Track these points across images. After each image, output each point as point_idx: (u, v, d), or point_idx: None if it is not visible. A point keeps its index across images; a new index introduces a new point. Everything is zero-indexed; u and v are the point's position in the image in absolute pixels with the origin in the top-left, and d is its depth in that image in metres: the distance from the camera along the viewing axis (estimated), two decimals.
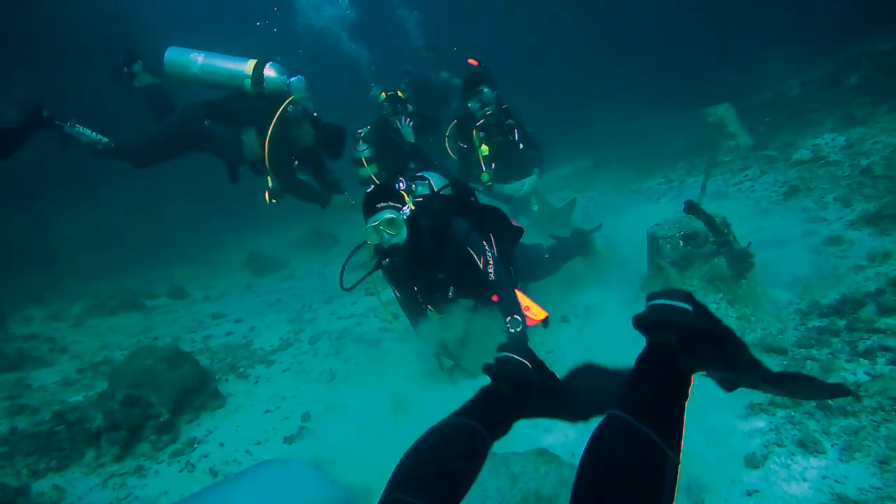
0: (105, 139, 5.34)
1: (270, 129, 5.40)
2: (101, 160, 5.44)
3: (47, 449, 3.58)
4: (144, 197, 12.64)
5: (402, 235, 3.62)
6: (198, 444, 3.94)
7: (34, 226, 12.00)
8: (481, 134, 6.17)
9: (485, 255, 3.85)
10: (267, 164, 5.55)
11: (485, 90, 6.09)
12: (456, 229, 3.85)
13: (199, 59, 5.44)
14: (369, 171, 6.92)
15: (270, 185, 5.74)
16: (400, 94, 6.91)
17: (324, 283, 7.49)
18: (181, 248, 12.09)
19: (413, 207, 3.72)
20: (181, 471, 3.62)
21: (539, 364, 1.92)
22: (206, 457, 3.78)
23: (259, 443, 3.94)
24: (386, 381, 4.21)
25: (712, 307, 3.84)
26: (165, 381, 4.18)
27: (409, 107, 7.05)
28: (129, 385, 4.07)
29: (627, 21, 22.90)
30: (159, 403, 4.04)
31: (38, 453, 3.55)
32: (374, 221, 3.57)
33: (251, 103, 5.50)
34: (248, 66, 5.44)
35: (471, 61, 6.46)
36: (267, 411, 4.37)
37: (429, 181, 4.16)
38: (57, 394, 4.66)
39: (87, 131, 5.28)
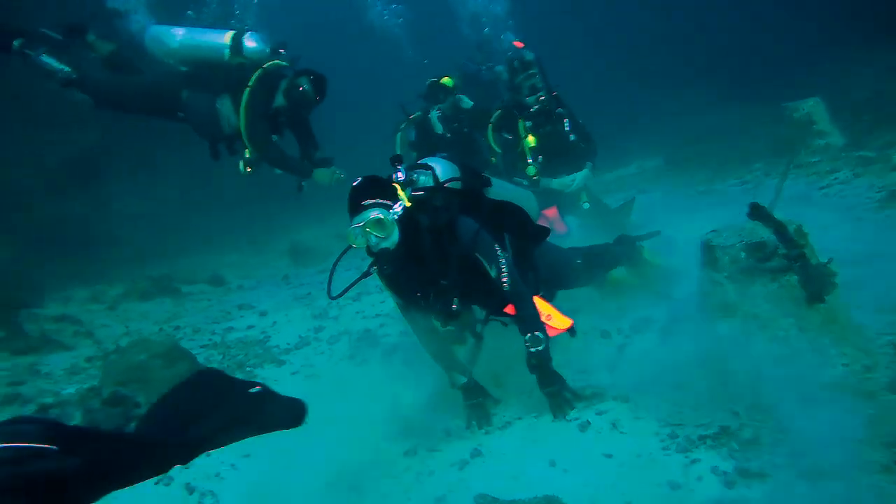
0: (68, 69, 5.09)
1: (245, 93, 5.12)
2: (65, 92, 5.20)
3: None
4: (199, 180, 12.61)
5: (393, 238, 3.09)
6: None
7: (94, 207, 12.15)
8: (528, 124, 5.60)
9: (497, 261, 3.29)
10: (242, 130, 5.20)
11: (537, 74, 5.52)
12: (462, 230, 3.29)
13: (178, 34, 5.22)
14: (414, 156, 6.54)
15: (247, 154, 5.37)
16: (445, 81, 6.43)
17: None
18: (232, 234, 12.01)
19: (409, 204, 3.20)
20: (157, 483, 3.26)
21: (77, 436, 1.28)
22: (186, 468, 3.40)
23: (248, 455, 3.55)
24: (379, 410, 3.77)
25: (779, 334, 3.18)
26: (158, 378, 3.85)
27: (462, 97, 6.55)
28: (117, 381, 3.76)
29: (703, 6, 21.29)
30: (147, 403, 3.70)
31: None
32: (359, 222, 3.05)
33: (228, 72, 5.16)
34: (227, 36, 5.20)
35: (517, 44, 5.89)
36: None
37: (433, 171, 3.60)
38: (58, 383, 4.43)
39: (53, 61, 5.06)
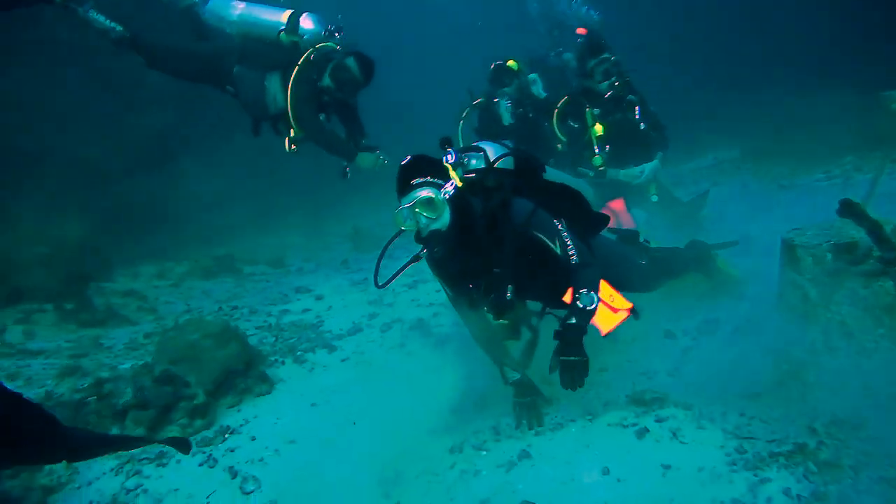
0: (119, 28, 5.12)
1: (294, 71, 5.09)
2: (118, 50, 5.26)
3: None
4: (266, 162, 12.81)
5: (444, 220, 2.91)
6: (229, 434, 3.56)
7: (166, 186, 12.50)
8: (595, 111, 5.33)
9: (559, 236, 3.05)
10: (289, 108, 5.17)
11: (610, 58, 5.24)
12: (516, 210, 3.06)
13: (238, 7, 5.24)
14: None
15: (293, 133, 5.33)
16: (512, 64, 6.21)
17: (416, 265, 6.98)
18: (296, 216, 12.15)
19: (460, 184, 3.02)
20: (201, 465, 3.26)
21: None
22: (231, 451, 3.39)
23: (293, 441, 3.51)
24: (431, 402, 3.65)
25: (868, 345, 2.87)
26: (209, 359, 3.85)
27: (535, 76, 6.32)
28: (170, 359, 3.78)
29: None
30: (197, 383, 3.71)
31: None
32: (408, 202, 2.88)
33: (281, 50, 5.14)
34: (285, 15, 5.18)
35: (580, 31, 5.61)
36: (314, 405, 3.94)
37: (485, 153, 3.40)
38: (117, 357, 4.51)
39: (102, 18, 5.09)
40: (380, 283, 3.20)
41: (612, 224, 5.64)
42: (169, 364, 3.72)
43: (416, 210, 2.88)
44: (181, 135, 13.07)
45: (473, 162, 3.28)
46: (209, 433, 3.55)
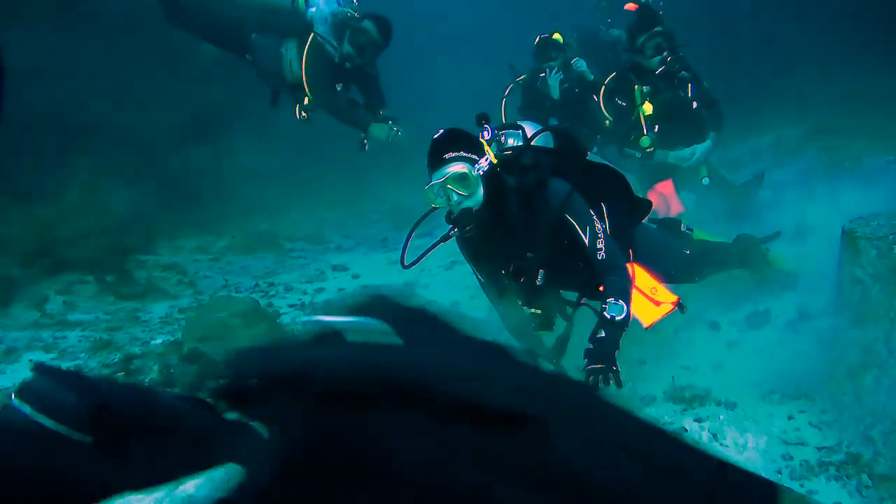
0: None
1: (310, 37, 5.02)
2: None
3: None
4: (310, 137, 12.82)
5: (477, 197, 2.76)
6: None
7: (213, 160, 12.64)
8: (645, 89, 5.05)
9: (591, 226, 2.85)
10: (303, 75, 5.08)
11: (662, 32, 4.95)
12: (552, 191, 2.88)
13: None
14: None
15: (306, 101, 5.28)
16: (557, 37, 5.95)
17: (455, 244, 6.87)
18: (339, 192, 12.15)
19: (495, 160, 2.85)
20: None
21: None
22: None
23: None
24: None
25: None
26: (237, 337, 3.80)
27: (579, 60, 6.07)
28: (199, 337, 3.75)
29: None
30: (223, 362, 3.67)
31: None
32: (440, 178, 2.73)
33: (297, 17, 5.02)
34: None
35: (629, 7, 5.30)
36: None
37: (523, 130, 3.20)
38: (151, 332, 4.53)
39: None
40: (407, 263, 3.07)
41: (660, 208, 5.46)
42: (197, 342, 3.69)
43: (448, 186, 2.73)
44: (230, 108, 13.17)
45: (510, 141, 3.12)
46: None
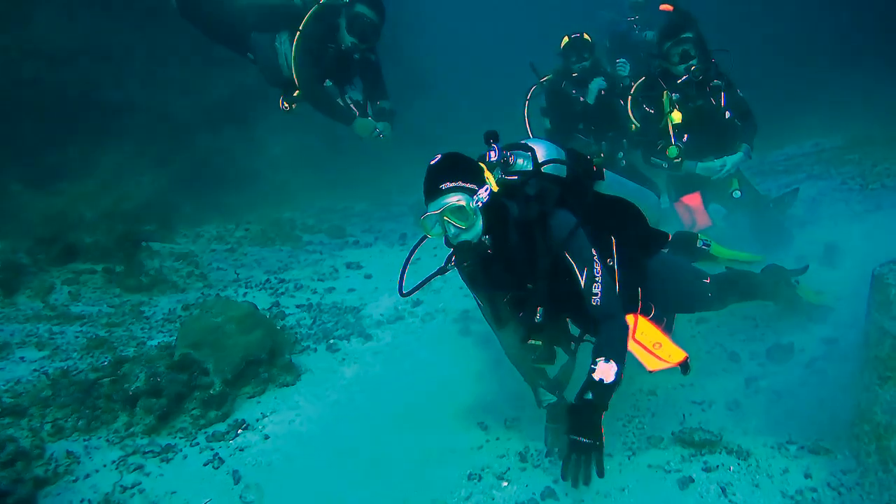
0: None
1: (300, 26, 4.90)
2: None
3: (82, 404, 3.25)
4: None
5: (476, 230, 2.57)
6: (242, 429, 3.39)
7: (242, 144, 12.60)
8: (674, 96, 4.77)
9: (590, 268, 2.62)
10: (292, 66, 4.97)
11: (691, 38, 4.66)
12: (555, 225, 2.66)
13: None
14: (547, 122, 5.94)
15: (295, 94, 5.17)
16: (587, 38, 5.68)
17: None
18: (366, 183, 12.01)
19: (496, 188, 2.65)
20: (206, 464, 3.09)
21: None
22: (241, 451, 3.22)
23: (307, 445, 3.30)
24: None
25: None
26: (231, 344, 3.68)
27: (622, 63, 5.81)
28: (191, 343, 3.63)
29: None
30: (215, 371, 3.55)
31: (73, 406, 3.23)
32: (436, 209, 2.55)
33: (287, 8, 4.88)
34: None
35: (664, 7, 5.00)
36: (336, 403, 3.73)
37: (534, 154, 2.97)
38: (151, 331, 4.45)
39: None
40: (405, 291, 2.90)
41: (685, 221, 5.19)
42: (189, 348, 3.58)
43: (445, 218, 2.55)
44: (263, 95, 13.10)
45: (520, 161, 2.91)
46: (222, 426, 3.39)
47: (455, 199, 2.53)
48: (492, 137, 2.81)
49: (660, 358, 2.60)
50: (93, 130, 9.93)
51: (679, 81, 4.70)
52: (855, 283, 4.04)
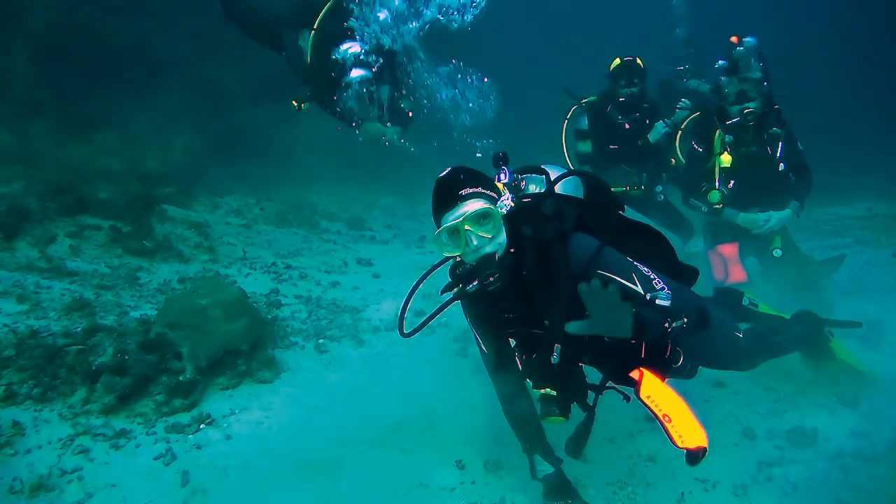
0: None
1: (317, 21, 4.74)
2: None
3: (42, 371, 3.05)
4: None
5: (500, 241, 2.27)
6: (205, 424, 3.16)
7: (280, 121, 12.50)
8: (728, 138, 4.43)
9: (637, 271, 2.30)
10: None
11: (752, 79, 4.32)
12: (575, 248, 2.33)
13: None
14: (584, 147, 5.59)
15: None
16: (640, 62, 5.35)
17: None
18: (399, 177, 11.76)
19: (512, 205, 2.34)
20: (157, 458, 2.86)
21: None
22: (198, 449, 2.98)
23: (271, 456, 3.04)
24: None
25: None
26: (212, 330, 3.46)
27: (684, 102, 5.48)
28: (171, 321, 3.41)
29: None
30: (189, 356, 3.33)
31: (32, 371, 3.03)
32: (457, 217, 2.22)
33: (306, 4, 4.66)
34: None
35: (734, 39, 4.65)
36: (313, 410, 3.47)
37: (547, 177, 2.63)
38: (139, 299, 4.26)
39: None
40: (406, 332, 2.59)
41: (718, 272, 4.83)
42: (167, 327, 3.36)
43: (467, 228, 2.21)
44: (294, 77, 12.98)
45: (532, 187, 2.60)
46: (185, 417, 3.16)
47: (479, 205, 2.23)
48: (501, 159, 2.51)
49: (668, 433, 2.23)
50: (135, 85, 9.89)
51: (728, 122, 4.36)
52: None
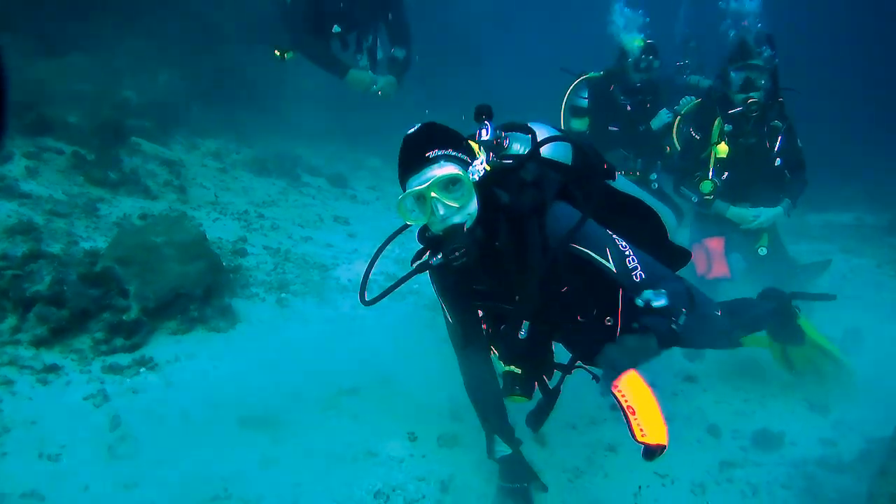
0: None
1: None
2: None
3: None
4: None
5: (470, 210, 2.03)
6: (146, 368, 2.96)
7: (272, 66, 12.09)
8: (727, 127, 4.24)
9: (613, 246, 2.12)
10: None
11: (760, 66, 4.12)
12: (554, 219, 2.12)
13: None
14: (578, 125, 5.35)
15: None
16: (654, 47, 5.13)
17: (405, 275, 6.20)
18: (388, 134, 11.43)
19: (488, 168, 2.10)
20: (87, 398, 2.67)
21: None
22: (134, 393, 2.79)
23: (214, 407, 2.86)
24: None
25: None
26: (164, 270, 3.24)
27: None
28: (121, 256, 3.19)
29: None
30: (136, 295, 3.12)
31: None
32: (423, 182, 1.98)
33: None
34: None
35: (745, 23, 4.44)
36: (263, 365, 3.28)
37: (534, 136, 2.35)
38: (94, 231, 3.99)
39: None
40: (367, 299, 2.39)
41: (700, 265, 4.69)
42: (115, 262, 3.14)
43: (433, 195, 1.98)
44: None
45: (515, 146, 2.34)
46: (125, 358, 2.96)
47: (448, 169, 1.99)
48: (484, 112, 2.22)
49: (629, 424, 2.07)
50: (122, 10, 9.41)
51: (731, 111, 4.17)
52: (869, 379, 3.59)
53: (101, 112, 5.80)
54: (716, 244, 4.66)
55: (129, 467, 2.35)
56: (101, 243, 3.74)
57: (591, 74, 5.26)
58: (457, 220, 2.01)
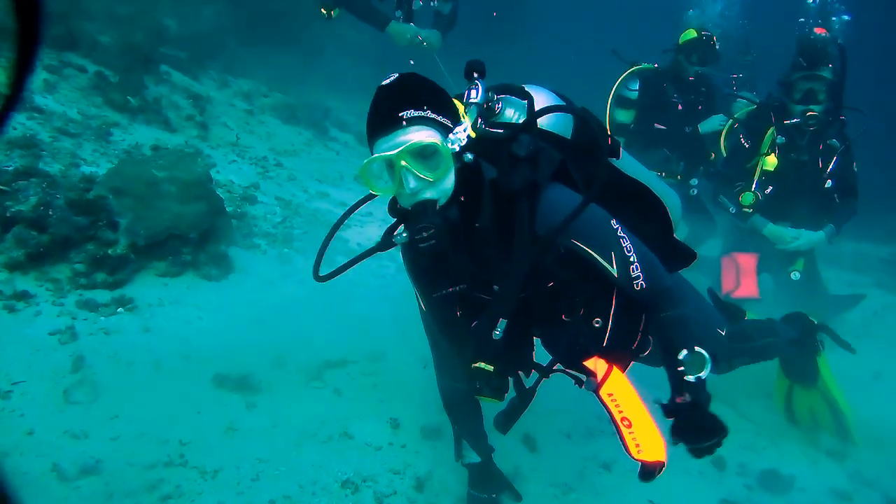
0: None
1: None
2: None
3: None
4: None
5: (445, 186, 1.68)
6: (124, 309, 2.78)
7: (318, 16, 11.78)
8: (780, 139, 3.91)
9: (618, 249, 1.83)
10: None
11: (826, 79, 3.77)
12: (546, 204, 1.79)
13: None
14: (623, 116, 5.01)
15: None
16: (715, 42, 4.76)
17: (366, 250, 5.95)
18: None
19: (473, 136, 1.74)
20: (53, 333, 2.49)
21: None
22: (106, 335, 2.61)
23: (187, 358, 2.69)
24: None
25: None
26: (161, 207, 3.05)
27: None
28: (116, 186, 3.00)
29: None
30: (127, 230, 2.93)
31: None
32: (393, 147, 1.61)
33: None
34: None
35: (819, 30, 4.07)
36: (255, 320, 3.09)
37: (531, 102, 1.92)
38: (99, 157, 3.81)
39: None
40: (321, 275, 2.04)
41: (727, 282, 4.40)
42: (109, 191, 2.95)
43: (403, 163, 1.63)
44: None
45: (508, 112, 1.97)
46: (104, 295, 2.78)
47: (423, 135, 1.63)
48: (476, 70, 1.85)
49: (624, 441, 1.83)
50: None
51: (787, 122, 3.83)
52: (894, 429, 3.32)
53: (135, 35, 5.60)
54: (748, 260, 4.37)
55: (81, 415, 2.17)
56: (104, 170, 3.55)
57: (644, 66, 4.91)
58: (429, 195, 1.68)
